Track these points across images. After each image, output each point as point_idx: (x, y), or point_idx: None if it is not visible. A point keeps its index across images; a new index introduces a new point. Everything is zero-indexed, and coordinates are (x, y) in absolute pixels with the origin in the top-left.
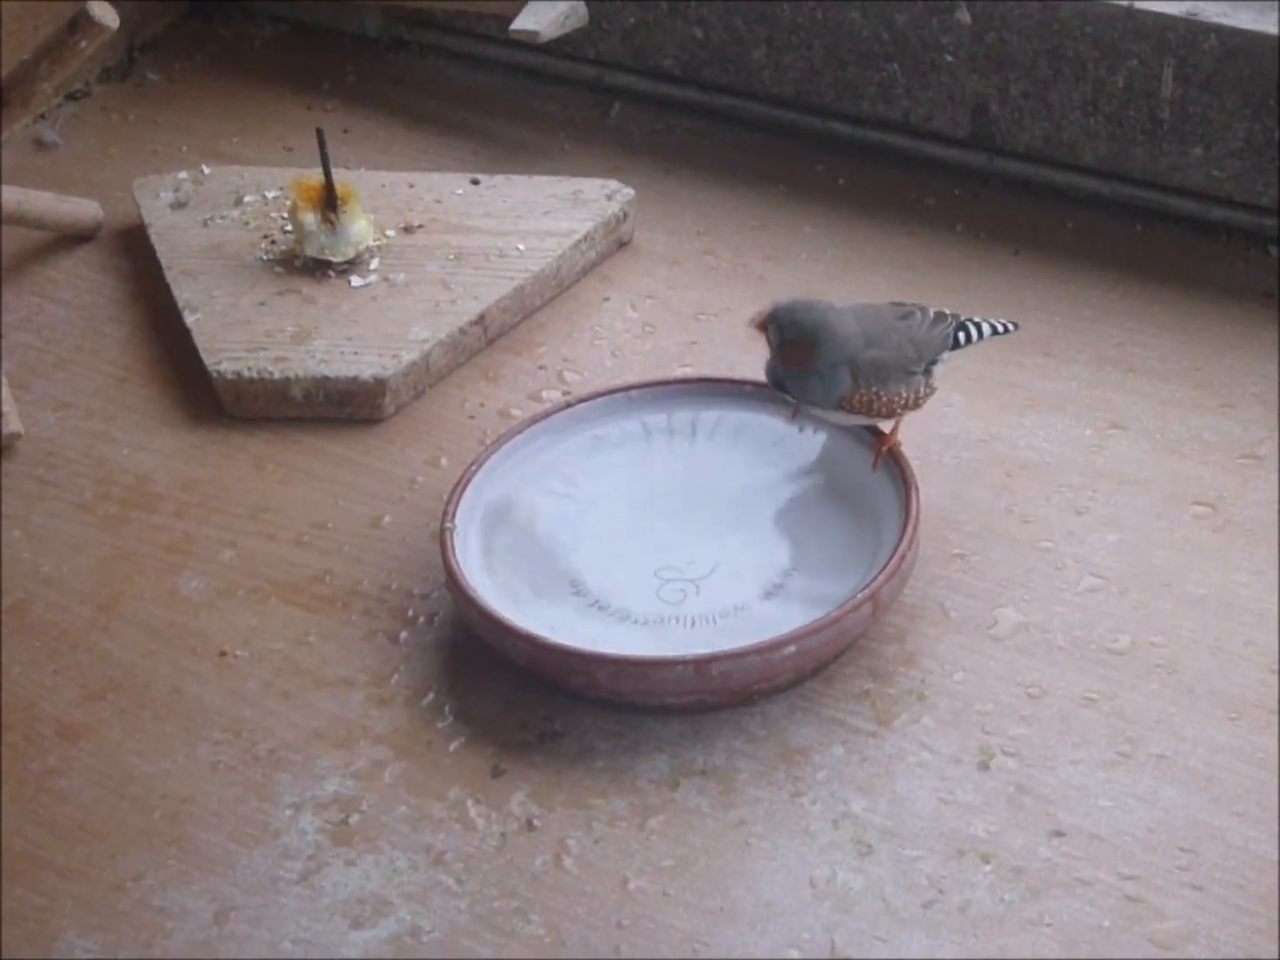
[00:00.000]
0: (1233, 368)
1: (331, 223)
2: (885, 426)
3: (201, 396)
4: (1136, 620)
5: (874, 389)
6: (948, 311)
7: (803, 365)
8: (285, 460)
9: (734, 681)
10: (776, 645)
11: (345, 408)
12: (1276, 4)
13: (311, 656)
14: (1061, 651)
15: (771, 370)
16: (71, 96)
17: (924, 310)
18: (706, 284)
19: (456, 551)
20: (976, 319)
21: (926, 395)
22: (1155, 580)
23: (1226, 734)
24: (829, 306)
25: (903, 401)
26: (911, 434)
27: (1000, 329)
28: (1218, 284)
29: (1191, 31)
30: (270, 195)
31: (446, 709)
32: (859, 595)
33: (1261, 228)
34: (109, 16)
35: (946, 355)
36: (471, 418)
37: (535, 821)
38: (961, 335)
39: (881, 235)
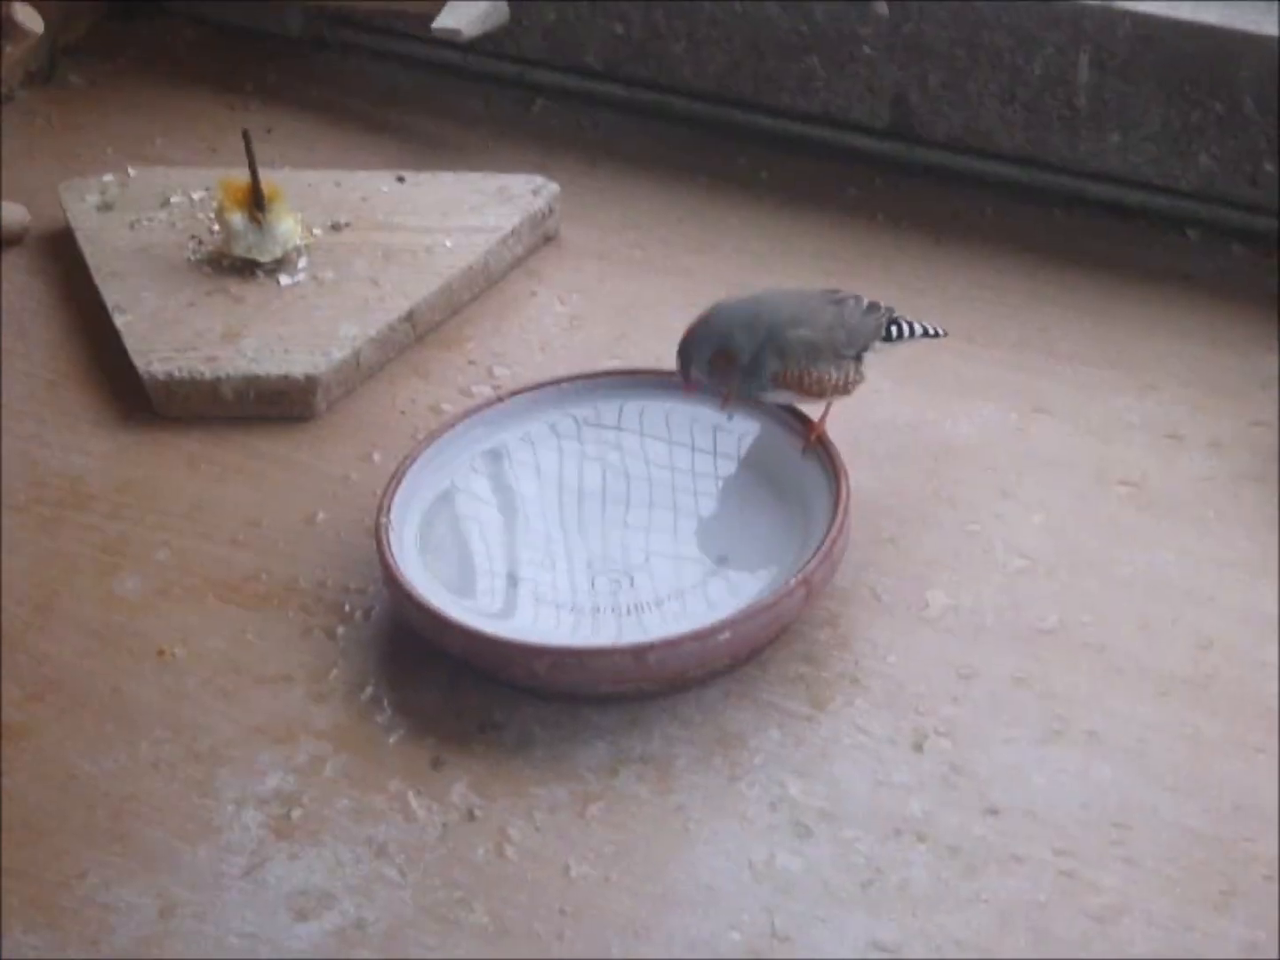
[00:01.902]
0: (1153, 350)
1: (259, 222)
2: (814, 413)
3: (133, 397)
4: (1065, 600)
5: (803, 366)
6: (882, 304)
7: (731, 367)
8: (218, 459)
9: (670, 668)
10: (711, 631)
11: (277, 406)
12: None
13: (249, 654)
14: (991, 632)
15: (699, 383)
16: None
17: (858, 299)
18: (633, 277)
19: (392, 546)
20: (909, 319)
21: (855, 382)
22: (1082, 560)
23: (1156, 710)
24: (741, 298)
25: (832, 383)
26: (840, 420)
27: (931, 332)
28: (1137, 267)
29: (1107, 18)
30: (196, 196)
31: (385, 702)
32: (792, 580)
33: (1179, 211)
34: (34, 21)
35: (878, 345)
36: (403, 413)
37: (476, 811)
38: (894, 329)
39: (805, 226)
